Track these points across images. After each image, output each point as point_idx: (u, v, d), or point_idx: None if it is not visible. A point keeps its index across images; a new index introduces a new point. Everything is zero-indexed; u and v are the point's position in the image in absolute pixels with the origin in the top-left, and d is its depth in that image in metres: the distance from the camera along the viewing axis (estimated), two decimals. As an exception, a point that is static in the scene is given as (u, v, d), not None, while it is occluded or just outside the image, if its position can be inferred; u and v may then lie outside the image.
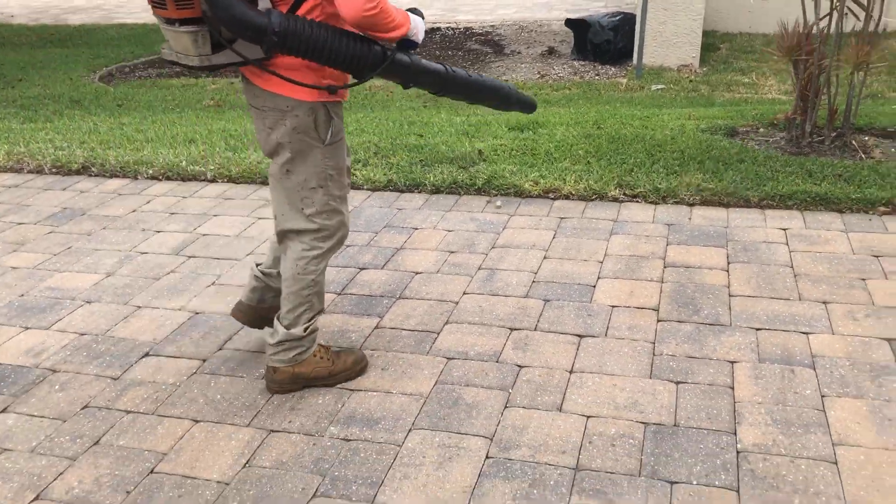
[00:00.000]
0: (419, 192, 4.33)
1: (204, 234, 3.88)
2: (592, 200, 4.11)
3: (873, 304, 2.98)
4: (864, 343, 2.74)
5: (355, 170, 4.52)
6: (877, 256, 3.36)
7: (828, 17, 4.47)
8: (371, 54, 2.22)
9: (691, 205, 4.00)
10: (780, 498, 2.06)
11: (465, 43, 10.30)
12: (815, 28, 4.46)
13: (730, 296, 3.10)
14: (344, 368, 2.65)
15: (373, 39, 2.23)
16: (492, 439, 2.33)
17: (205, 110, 6.82)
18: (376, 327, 2.98)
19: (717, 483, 2.13)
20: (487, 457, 2.26)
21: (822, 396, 2.47)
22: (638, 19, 8.13)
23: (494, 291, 3.21)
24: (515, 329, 2.93)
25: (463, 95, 2.55)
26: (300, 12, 2.16)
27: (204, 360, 2.82)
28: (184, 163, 4.74)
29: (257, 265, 2.75)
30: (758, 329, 2.85)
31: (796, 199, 3.90)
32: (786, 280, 3.20)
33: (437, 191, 4.32)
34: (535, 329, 2.92)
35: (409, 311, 3.08)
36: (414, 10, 2.34)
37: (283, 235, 2.50)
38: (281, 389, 2.60)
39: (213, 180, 4.61)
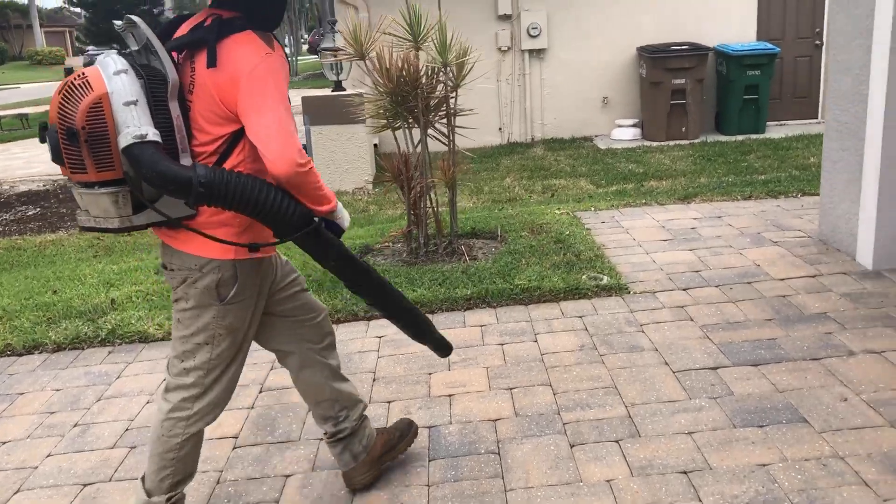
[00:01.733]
0: (39, 353, 4.24)
1: None
2: (215, 335, 4.27)
3: (429, 396, 3.37)
4: (410, 435, 3.08)
5: (-30, 339, 4.35)
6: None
7: (421, 144, 5.11)
8: (297, 212, 2.15)
9: (306, 326, 4.28)
10: None
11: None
12: (412, 153, 5.08)
13: (308, 412, 3.34)
14: None
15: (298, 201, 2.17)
16: None
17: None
18: (-63, 511, 2.85)
19: None
20: None
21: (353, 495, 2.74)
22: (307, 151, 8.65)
23: (80, 448, 3.22)
24: (89, 484, 2.95)
25: (378, 304, 2.48)
26: (225, 166, 2.15)
27: None
28: None
29: (325, 435, 2.70)
30: (320, 439, 3.10)
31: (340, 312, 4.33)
32: (364, 385, 3.52)
33: (59, 348, 4.26)
34: (111, 480, 2.96)
35: (-21, 486, 2.99)
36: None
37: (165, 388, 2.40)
38: None
39: None
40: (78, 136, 1.99)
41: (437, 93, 5.00)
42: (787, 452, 2.73)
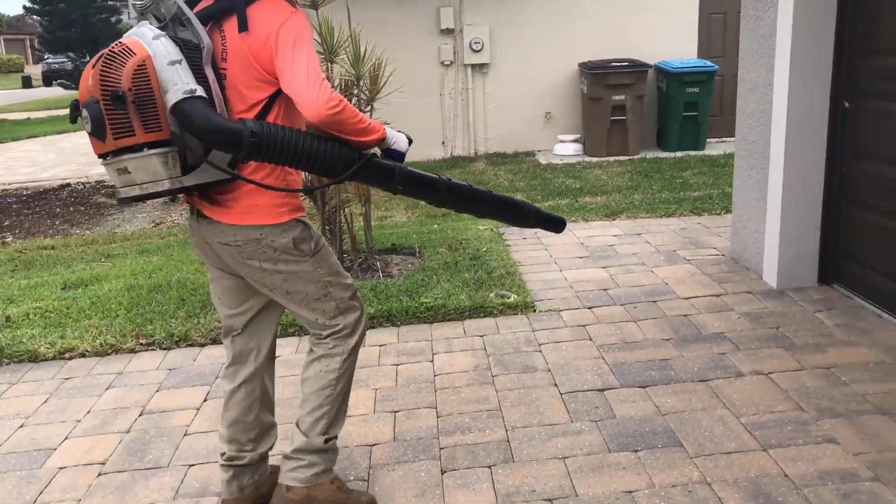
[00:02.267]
0: (-78, 373, 4.07)
1: None
2: (108, 355, 4.14)
3: (311, 420, 3.27)
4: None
5: None
6: (343, 371, 3.71)
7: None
8: (343, 153, 2.21)
9: (203, 345, 4.17)
10: None
11: (92, 196, 10.11)
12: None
13: (185, 434, 3.23)
14: None
15: (345, 141, 2.23)
16: None
17: None
18: None
19: None
20: None
21: (212, 524, 2.63)
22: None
23: (-63, 475, 3.07)
24: (-62, 514, 2.81)
25: (466, 208, 2.54)
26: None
27: None
28: None
29: (222, 455, 2.58)
30: (192, 465, 2.99)
31: (295, 326, 4.23)
32: (247, 409, 3.41)
33: (-58, 369, 4.09)
34: (-38, 509, 2.82)
35: None
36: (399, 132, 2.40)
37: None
38: None
39: None
40: (125, 99, 2.03)
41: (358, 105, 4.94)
42: (656, 478, 2.68)
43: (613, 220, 6.16)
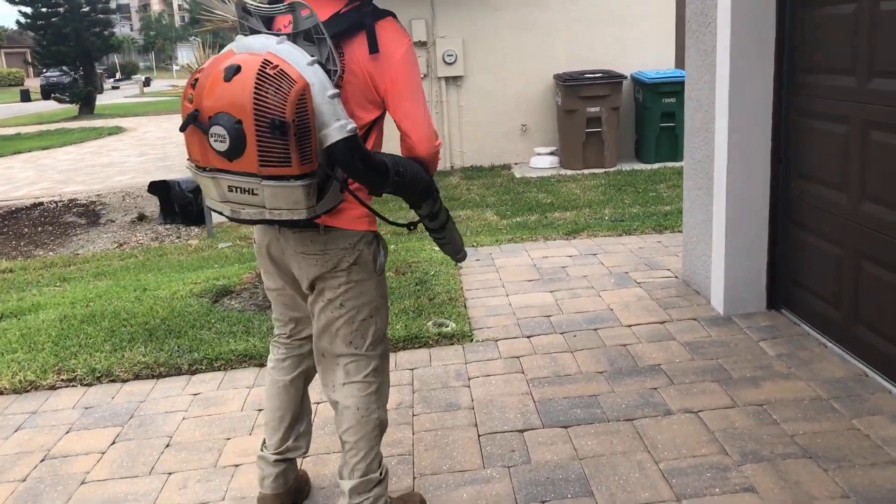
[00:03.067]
0: None
1: None
2: (27, 392, 3.98)
3: (214, 467, 3.11)
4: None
5: None
6: (260, 410, 3.55)
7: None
8: (432, 184, 2.35)
9: (125, 381, 4.01)
10: None
11: (63, 216, 9.99)
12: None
13: (82, 483, 3.07)
14: None
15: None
16: None
17: None
18: None
19: None
20: None
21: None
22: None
23: None
24: None
25: (443, 232, 2.62)
26: (367, 145, 2.22)
27: None
28: None
29: (263, 449, 2.68)
30: (77, 519, 2.83)
31: (223, 359, 4.07)
32: (152, 452, 3.25)
33: None
34: None
35: None
36: None
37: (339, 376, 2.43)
38: None
39: None
40: (289, 129, 1.93)
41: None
42: (558, 534, 2.51)
43: (572, 238, 5.99)
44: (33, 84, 49.58)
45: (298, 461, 2.89)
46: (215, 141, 1.98)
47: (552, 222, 7.21)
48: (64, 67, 31.83)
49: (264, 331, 4.33)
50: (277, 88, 1.93)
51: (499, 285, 4.95)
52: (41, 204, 10.76)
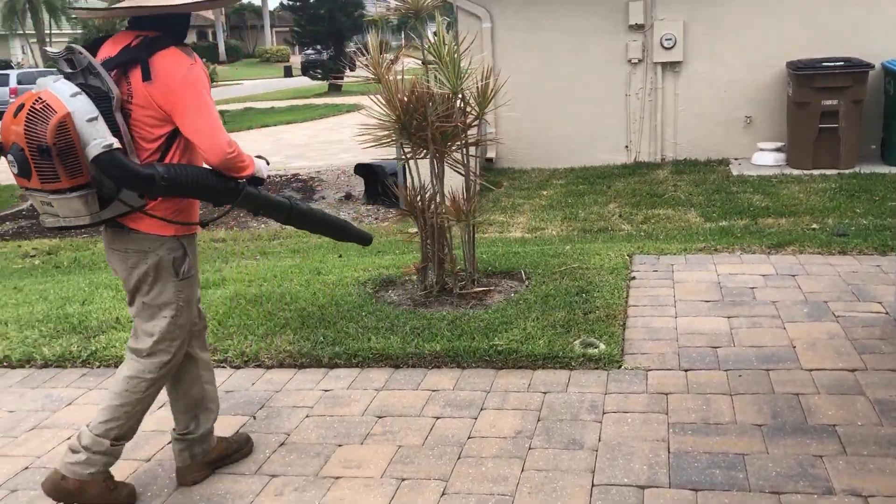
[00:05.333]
0: None
1: None
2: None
3: (315, 476, 3.02)
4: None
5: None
6: (380, 417, 3.43)
7: (433, 175, 4.73)
8: (229, 187, 2.66)
9: (269, 367, 4.08)
10: None
11: (282, 190, 10.63)
12: (430, 185, 4.72)
13: None
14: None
15: (228, 176, 2.65)
16: None
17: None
18: None
19: None
20: None
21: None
22: (400, 167, 8.46)
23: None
24: (-52, 526, 2.92)
25: (306, 227, 3.13)
26: (166, 160, 2.60)
27: None
28: None
29: (174, 430, 3.02)
30: (176, 511, 2.87)
31: (361, 356, 4.00)
32: (266, 450, 3.24)
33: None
34: (-31, 524, 2.92)
35: None
36: (259, 157, 2.84)
37: (128, 351, 2.81)
38: (57, 498, 2.74)
39: None
40: (50, 152, 2.38)
41: (457, 120, 4.60)
42: None
43: (774, 253, 5.26)
44: (296, 61, 53.85)
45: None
46: (11, 166, 2.44)
47: (762, 230, 6.44)
48: (318, 46, 34.15)
49: (407, 330, 4.20)
50: (43, 119, 2.37)
51: (670, 303, 4.45)
52: (269, 177, 11.54)
